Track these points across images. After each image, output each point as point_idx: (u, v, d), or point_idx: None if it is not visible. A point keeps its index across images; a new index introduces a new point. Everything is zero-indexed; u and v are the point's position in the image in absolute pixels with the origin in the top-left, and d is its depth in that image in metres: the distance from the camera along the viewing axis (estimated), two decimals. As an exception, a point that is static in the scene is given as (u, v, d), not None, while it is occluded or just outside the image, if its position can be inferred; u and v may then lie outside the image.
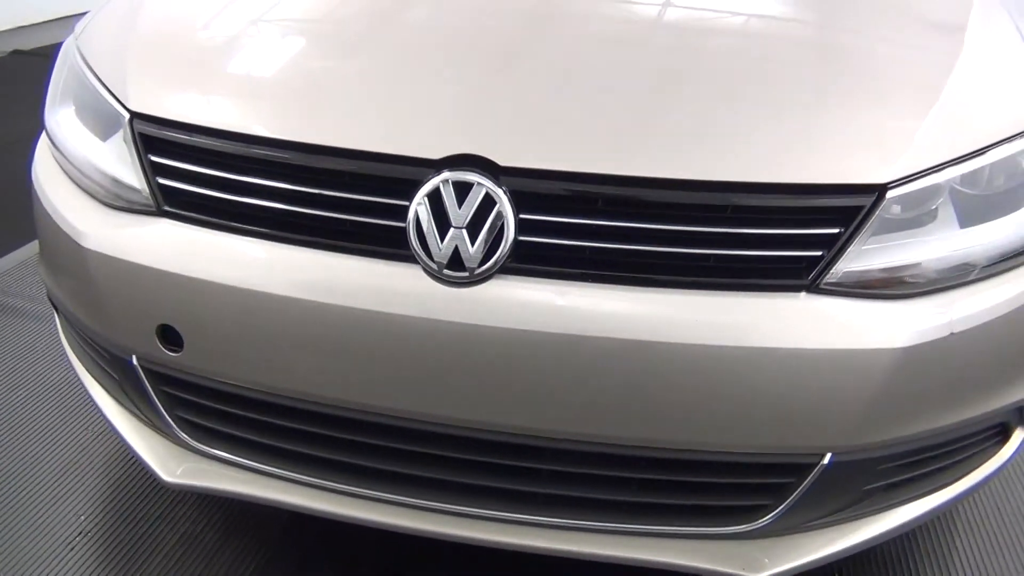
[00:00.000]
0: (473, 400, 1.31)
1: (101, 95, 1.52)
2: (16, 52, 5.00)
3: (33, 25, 5.11)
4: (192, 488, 1.55)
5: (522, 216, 1.28)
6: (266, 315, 1.33)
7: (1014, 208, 1.37)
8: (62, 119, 1.61)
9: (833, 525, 1.45)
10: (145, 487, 1.93)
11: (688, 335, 1.24)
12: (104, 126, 1.51)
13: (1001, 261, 1.35)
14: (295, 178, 1.35)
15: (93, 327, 1.52)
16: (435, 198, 1.28)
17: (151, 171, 1.43)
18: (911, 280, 1.30)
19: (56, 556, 1.77)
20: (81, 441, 2.06)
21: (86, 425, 2.11)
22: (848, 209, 1.28)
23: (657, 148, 1.31)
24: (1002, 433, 1.53)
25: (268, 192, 1.36)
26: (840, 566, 1.77)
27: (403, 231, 1.29)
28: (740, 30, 1.62)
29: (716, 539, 1.42)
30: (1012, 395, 1.43)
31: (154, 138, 1.43)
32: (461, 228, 1.27)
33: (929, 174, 1.31)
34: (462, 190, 1.28)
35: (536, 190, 1.28)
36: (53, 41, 5.03)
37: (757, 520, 1.39)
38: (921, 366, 1.29)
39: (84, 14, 1.82)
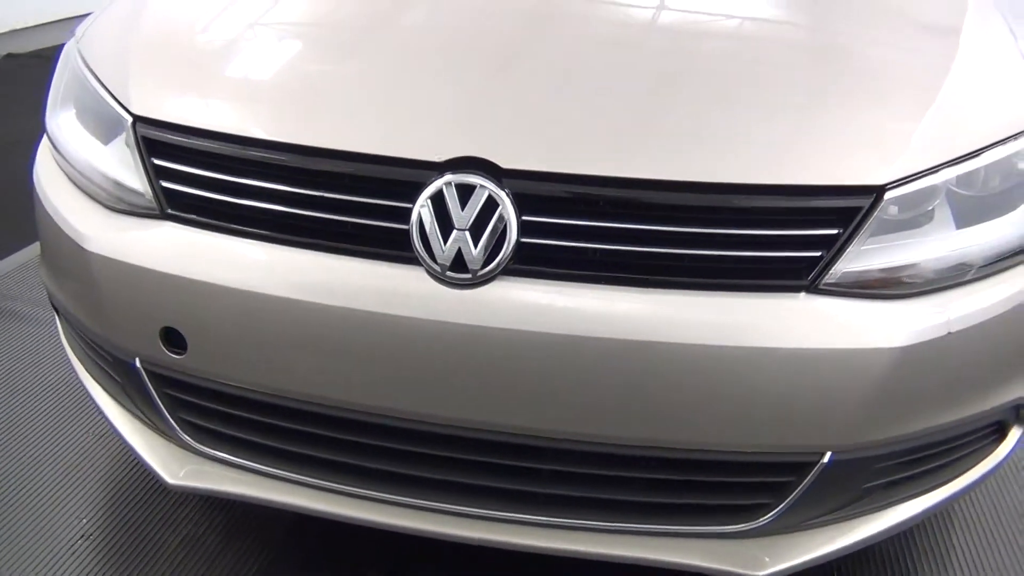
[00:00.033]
0: (475, 401, 1.32)
1: (103, 98, 1.52)
2: (10, 56, 4.99)
3: (26, 28, 5.10)
4: (195, 490, 1.55)
5: (524, 218, 1.29)
6: (269, 317, 1.33)
7: (1010, 209, 1.39)
8: (63, 122, 1.61)
9: (832, 523, 1.46)
10: (147, 490, 1.93)
11: (688, 335, 1.25)
12: (106, 129, 1.51)
13: (997, 261, 1.37)
14: (298, 181, 1.36)
15: (96, 330, 1.52)
16: (438, 200, 1.29)
17: (154, 174, 1.43)
18: (909, 280, 1.31)
19: (58, 559, 1.77)
20: (82, 444, 2.06)
21: (87, 428, 2.11)
22: (847, 210, 1.29)
23: (657, 150, 1.32)
24: (999, 431, 1.54)
25: (272, 195, 1.37)
26: (838, 564, 1.78)
27: (406, 233, 1.30)
28: (740, 32, 1.63)
29: (716, 538, 1.43)
30: (1009, 394, 1.44)
31: (157, 141, 1.44)
32: (464, 230, 1.28)
33: (926, 175, 1.32)
34: (464, 192, 1.29)
35: (538, 192, 1.29)
36: (49, 44, 5.03)
37: (757, 519, 1.40)
38: (919, 365, 1.30)
39: (77, 17, 1.81)
